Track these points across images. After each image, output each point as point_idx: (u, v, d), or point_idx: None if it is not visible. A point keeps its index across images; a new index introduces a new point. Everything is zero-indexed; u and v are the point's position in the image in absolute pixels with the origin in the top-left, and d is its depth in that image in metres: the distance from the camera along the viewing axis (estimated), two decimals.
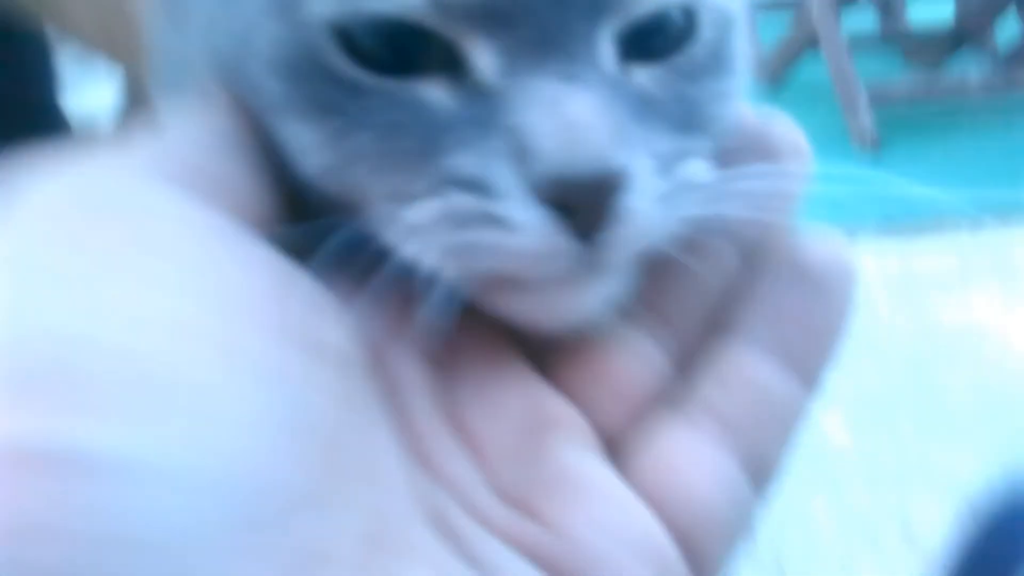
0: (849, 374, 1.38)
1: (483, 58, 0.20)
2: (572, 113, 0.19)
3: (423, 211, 0.20)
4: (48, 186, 0.17)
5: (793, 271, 0.23)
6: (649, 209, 0.20)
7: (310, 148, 0.20)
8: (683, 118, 0.22)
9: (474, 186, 0.19)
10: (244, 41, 0.21)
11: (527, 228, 0.19)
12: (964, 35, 2.55)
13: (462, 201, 0.20)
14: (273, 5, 0.20)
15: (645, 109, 0.21)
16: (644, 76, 0.22)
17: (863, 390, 1.37)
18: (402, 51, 0.20)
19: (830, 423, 1.31)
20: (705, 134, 0.23)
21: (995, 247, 1.76)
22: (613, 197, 0.19)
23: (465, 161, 0.20)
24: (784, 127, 0.24)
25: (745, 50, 0.25)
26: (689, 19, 0.23)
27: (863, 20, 2.87)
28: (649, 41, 0.22)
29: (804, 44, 2.40)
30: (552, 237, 0.19)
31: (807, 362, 0.23)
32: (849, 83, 2.22)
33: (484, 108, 0.20)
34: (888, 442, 1.28)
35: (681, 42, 0.22)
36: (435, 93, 0.20)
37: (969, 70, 2.41)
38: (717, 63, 0.23)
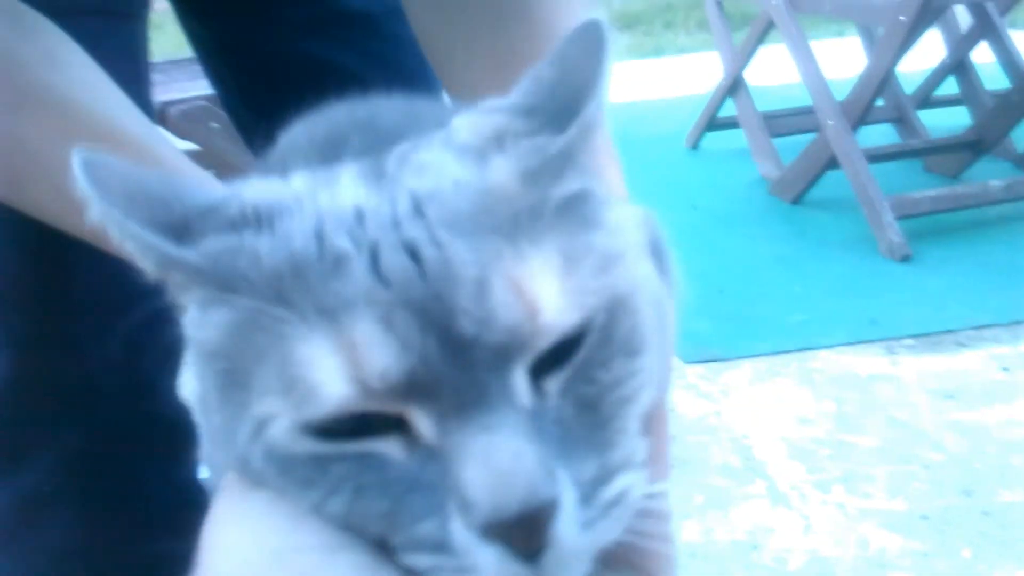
0: (903, 494, 1.36)
1: (421, 421, 0.24)
2: (496, 464, 0.23)
3: (412, 558, 0.24)
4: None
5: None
6: (577, 535, 0.24)
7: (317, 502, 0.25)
8: (598, 419, 0.25)
9: (436, 546, 0.24)
10: (244, 457, 0.26)
11: (482, 569, 0.23)
12: (983, 143, 2.60)
13: (427, 561, 0.24)
14: (251, 434, 0.25)
15: (563, 432, 0.24)
16: (554, 385, 0.25)
17: (916, 510, 1.34)
18: (357, 423, 0.24)
19: (885, 544, 1.28)
20: (625, 432, 0.26)
21: None
22: (546, 525, 0.23)
23: (426, 527, 0.24)
24: None
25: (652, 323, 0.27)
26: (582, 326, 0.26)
27: (881, 134, 2.95)
28: (553, 355, 0.25)
29: (823, 163, 2.46)
30: (503, 569, 0.23)
31: None
32: (872, 198, 2.26)
33: (431, 464, 0.24)
34: (944, 562, 1.24)
35: (577, 344, 0.25)
36: (392, 449, 0.24)
37: (989, 177, 2.44)
38: (615, 347, 0.26)
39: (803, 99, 2.59)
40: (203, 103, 1.51)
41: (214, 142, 1.49)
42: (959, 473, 1.43)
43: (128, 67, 0.66)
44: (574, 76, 0.28)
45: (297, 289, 0.24)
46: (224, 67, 0.83)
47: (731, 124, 3.05)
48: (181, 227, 0.25)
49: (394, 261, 0.24)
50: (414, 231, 0.24)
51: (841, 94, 2.44)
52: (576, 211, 0.26)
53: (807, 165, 2.53)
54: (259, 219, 0.25)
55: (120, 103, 0.57)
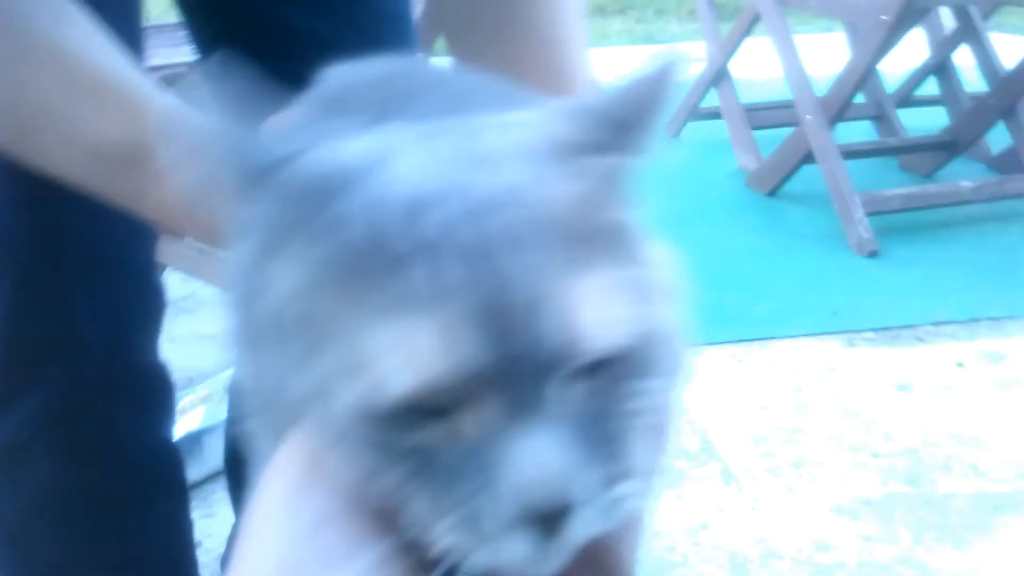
0: (850, 481, 1.40)
1: (467, 422, 0.27)
2: (532, 470, 0.27)
3: (447, 536, 0.28)
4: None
5: None
6: (585, 528, 0.28)
7: (367, 476, 0.28)
8: (617, 424, 0.29)
9: (479, 518, 0.27)
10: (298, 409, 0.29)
11: (512, 547, 0.27)
12: (958, 144, 2.64)
13: (472, 538, 0.27)
14: (311, 394, 0.28)
15: (586, 434, 0.28)
16: (584, 388, 0.28)
17: (862, 496, 1.39)
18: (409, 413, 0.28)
19: (829, 527, 1.32)
20: (635, 440, 0.29)
21: (992, 353, 1.79)
22: (567, 517, 0.27)
23: (477, 501, 0.27)
24: None
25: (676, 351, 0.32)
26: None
27: (859, 131, 2.99)
28: (590, 367, 0.28)
29: (800, 157, 2.50)
30: (528, 549, 0.27)
31: None
32: (844, 193, 2.30)
33: (475, 455, 0.27)
34: (885, 546, 1.29)
35: (612, 361, 0.29)
36: (441, 442, 0.27)
37: (962, 177, 2.48)
38: (640, 368, 0.29)
39: (786, 92, 2.62)
40: (184, 70, 1.52)
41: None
42: (906, 463, 1.48)
43: (126, 31, 0.68)
44: (640, 95, 0.31)
45: (355, 278, 0.27)
46: (207, 31, 0.85)
47: (714, 115, 3.08)
48: (252, 175, 0.28)
49: (451, 272, 0.26)
50: (470, 236, 0.26)
51: (824, 90, 2.47)
52: (622, 242, 0.29)
53: (784, 158, 2.57)
54: (318, 192, 0.27)
55: (121, 60, 0.58)
